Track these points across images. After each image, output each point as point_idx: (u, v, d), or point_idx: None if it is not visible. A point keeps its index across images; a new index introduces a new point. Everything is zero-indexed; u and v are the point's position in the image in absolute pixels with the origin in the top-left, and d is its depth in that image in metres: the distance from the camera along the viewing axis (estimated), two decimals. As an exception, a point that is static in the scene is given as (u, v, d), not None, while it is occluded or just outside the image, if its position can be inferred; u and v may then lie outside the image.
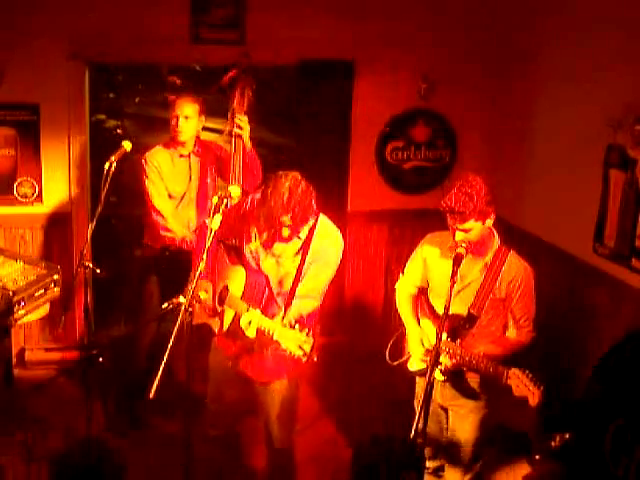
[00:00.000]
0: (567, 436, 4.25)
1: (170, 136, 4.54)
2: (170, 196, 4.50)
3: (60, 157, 5.08)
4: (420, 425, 3.06)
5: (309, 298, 3.48)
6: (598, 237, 4.50)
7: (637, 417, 3.64)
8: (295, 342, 3.19)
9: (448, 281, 3.28)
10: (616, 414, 3.74)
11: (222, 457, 3.95)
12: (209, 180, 4.60)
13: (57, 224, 5.16)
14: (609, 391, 3.84)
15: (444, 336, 3.41)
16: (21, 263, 4.42)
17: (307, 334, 3.18)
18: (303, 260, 3.48)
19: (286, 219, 3.35)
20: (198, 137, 4.60)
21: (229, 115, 4.38)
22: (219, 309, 3.56)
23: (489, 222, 3.41)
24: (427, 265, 3.65)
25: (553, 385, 4.51)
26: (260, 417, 3.80)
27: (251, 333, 3.32)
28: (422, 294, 3.74)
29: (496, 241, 3.53)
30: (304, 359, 3.21)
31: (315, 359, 3.26)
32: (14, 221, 5.11)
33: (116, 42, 4.89)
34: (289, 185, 3.34)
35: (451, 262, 3.37)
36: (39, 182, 5.07)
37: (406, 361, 3.70)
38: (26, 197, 5.08)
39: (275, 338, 3.24)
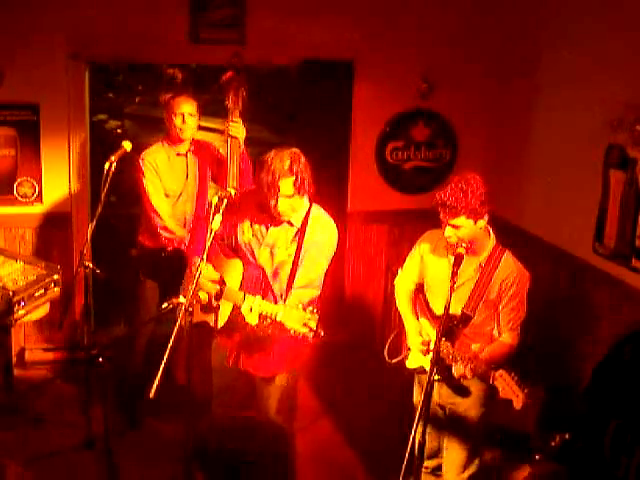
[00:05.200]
0: (567, 436, 4.25)
1: (167, 135, 4.52)
2: (167, 195, 4.49)
3: (60, 157, 5.08)
4: (421, 424, 3.06)
5: (308, 288, 3.50)
6: (598, 237, 4.50)
7: (637, 417, 3.63)
8: (300, 321, 3.20)
9: (442, 279, 3.28)
10: (616, 414, 3.74)
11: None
12: (206, 179, 4.60)
13: (57, 224, 5.16)
14: (609, 391, 3.84)
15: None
16: (21, 263, 4.42)
17: (311, 312, 3.20)
18: (299, 248, 3.49)
19: (287, 185, 3.36)
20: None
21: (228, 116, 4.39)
22: (215, 304, 3.55)
23: (481, 223, 3.38)
24: (423, 262, 3.66)
25: (553, 385, 4.52)
26: (260, 414, 3.80)
27: (253, 320, 3.33)
28: (420, 291, 3.74)
29: (492, 241, 3.51)
30: (311, 335, 3.22)
31: (322, 334, 3.27)
32: (14, 221, 5.11)
33: (116, 42, 4.89)
34: (290, 154, 3.41)
35: (446, 260, 3.37)
36: (39, 182, 5.07)
37: (404, 359, 3.70)
38: (26, 197, 5.08)
39: (279, 320, 3.24)
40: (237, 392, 3.78)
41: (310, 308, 3.22)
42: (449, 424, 3.72)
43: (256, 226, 3.59)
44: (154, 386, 2.97)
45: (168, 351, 3.02)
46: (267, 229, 3.56)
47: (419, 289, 3.74)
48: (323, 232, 3.53)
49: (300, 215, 3.52)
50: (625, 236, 4.29)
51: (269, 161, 3.38)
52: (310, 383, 5.10)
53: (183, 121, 4.42)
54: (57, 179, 5.11)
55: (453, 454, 3.74)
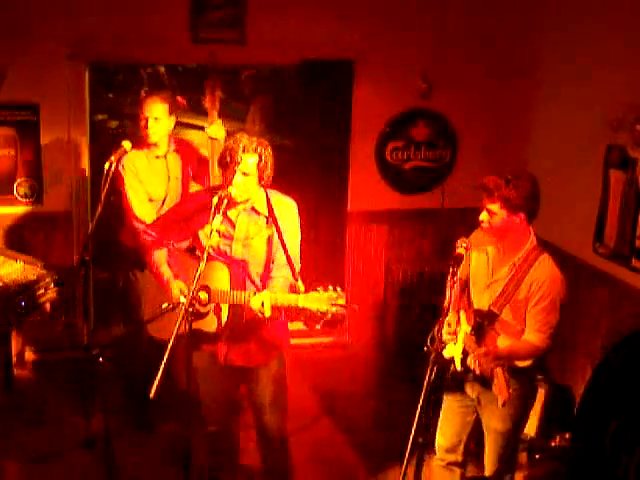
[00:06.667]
0: (567, 436, 4.25)
1: (140, 137, 4.32)
2: (150, 199, 4.32)
3: (60, 157, 5.08)
4: (421, 420, 3.06)
5: (296, 263, 3.55)
6: (598, 237, 4.50)
7: (637, 417, 3.64)
8: (326, 301, 3.23)
9: (481, 273, 3.36)
10: (616, 414, 3.74)
11: (219, 456, 3.95)
12: (188, 178, 4.47)
13: (57, 224, 5.17)
14: (609, 391, 3.84)
15: (468, 329, 3.46)
16: (21, 263, 4.42)
17: (336, 290, 3.23)
18: (278, 231, 3.52)
19: (249, 162, 3.37)
20: (174, 136, 4.46)
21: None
22: (204, 310, 3.52)
23: (515, 219, 3.42)
24: (467, 257, 3.68)
25: (553, 385, 4.53)
26: (252, 409, 3.79)
27: (267, 312, 3.34)
28: (467, 285, 3.76)
29: (530, 242, 3.54)
30: (342, 311, 3.24)
31: (356, 308, 3.29)
32: (14, 221, 5.11)
33: (116, 42, 4.89)
34: (259, 139, 3.46)
35: (485, 255, 3.40)
36: (39, 182, 5.07)
37: (442, 348, 3.70)
38: (26, 197, 5.08)
39: (301, 306, 3.28)
40: (224, 388, 3.76)
41: (331, 287, 3.26)
42: (482, 416, 3.71)
43: (222, 226, 3.54)
44: (154, 386, 2.97)
45: (168, 351, 3.02)
46: (233, 225, 3.55)
47: (467, 283, 3.77)
48: (287, 210, 3.59)
49: (262, 202, 3.55)
50: (625, 236, 4.30)
51: (237, 136, 3.41)
52: (310, 383, 5.11)
53: (146, 125, 4.22)
54: (57, 179, 5.11)
55: (492, 450, 3.73)
